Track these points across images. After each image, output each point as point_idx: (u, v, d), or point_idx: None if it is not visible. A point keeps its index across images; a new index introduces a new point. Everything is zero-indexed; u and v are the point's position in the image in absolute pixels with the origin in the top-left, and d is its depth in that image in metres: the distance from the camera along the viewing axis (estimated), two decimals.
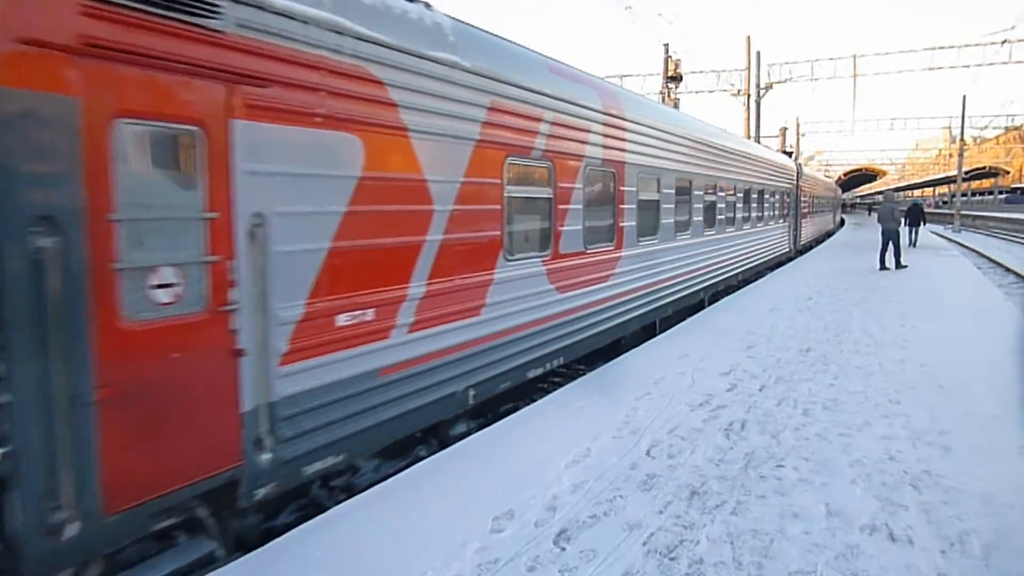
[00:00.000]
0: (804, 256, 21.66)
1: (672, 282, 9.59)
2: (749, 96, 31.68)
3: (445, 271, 4.79)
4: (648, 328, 8.98)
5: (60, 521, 2.70)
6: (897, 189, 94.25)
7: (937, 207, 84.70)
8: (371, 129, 4.09)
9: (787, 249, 19.97)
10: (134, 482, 2.94)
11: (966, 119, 41.49)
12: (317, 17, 3.68)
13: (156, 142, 3.08)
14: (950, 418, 5.33)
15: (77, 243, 2.71)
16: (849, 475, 4.28)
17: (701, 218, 10.82)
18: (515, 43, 5.97)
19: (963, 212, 45.45)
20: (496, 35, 5.69)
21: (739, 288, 13.41)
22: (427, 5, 4.77)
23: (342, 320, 3.94)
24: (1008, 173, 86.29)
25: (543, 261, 6.13)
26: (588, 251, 6.93)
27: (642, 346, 8.25)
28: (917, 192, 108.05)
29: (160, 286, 3.03)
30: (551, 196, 6.19)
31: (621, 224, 7.70)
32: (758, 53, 31.59)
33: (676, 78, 28.97)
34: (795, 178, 20.90)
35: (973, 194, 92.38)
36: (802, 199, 22.57)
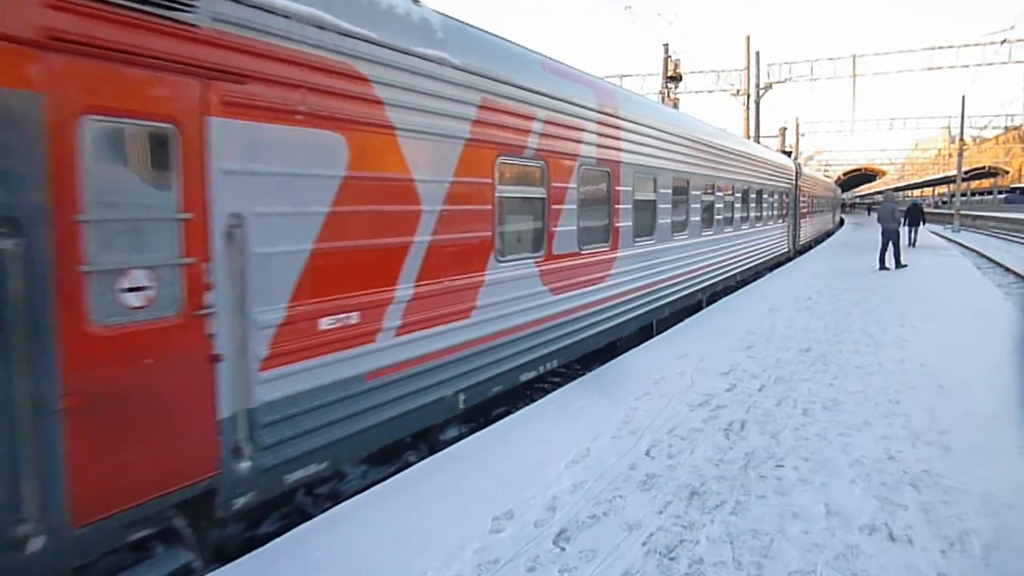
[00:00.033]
0: (803, 256, 21.67)
1: (669, 283, 9.51)
2: (749, 96, 31.71)
3: (434, 273, 4.68)
4: (645, 330, 8.92)
5: (24, 534, 2.59)
6: (896, 189, 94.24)
7: (936, 207, 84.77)
8: (356, 127, 3.99)
9: (786, 249, 19.95)
10: (103, 493, 2.84)
11: (965, 119, 41.54)
12: (298, 12, 3.58)
13: (127, 140, 2.97)
14: (950, 418, 5.33)
15: (41, 245, 2.61)
16: (849, 475, 4.28)
17: (698, 218, 10.73)
18: (507, 40, 5.87)
19: (962, 212, 45.49)
20: (488, 32, 5.60)
21: (737, 289, 13.39)
22: (415, 0, 4.67)
23: (325, 324, 3.83)
24: (1007, 173, 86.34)
25: (536, 262, 6.02)
26: (583, 252, 6.83)
27: (641, 346, 8.25)
28: (916, 192, 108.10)
29: (131, 289, 2.92)
30: (544, 196, 6.09)
31: (617, 224, 7.62)
32: (757, 53, 31.64)
33: (676, 78, 28.99)
34: (794, 178, 20.89)
35: (972, 194, 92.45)
36: (801, 199, 22.55)
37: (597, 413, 5.53)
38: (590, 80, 7.15)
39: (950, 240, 31.84)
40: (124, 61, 2.84)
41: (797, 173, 21.67)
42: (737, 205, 13.33)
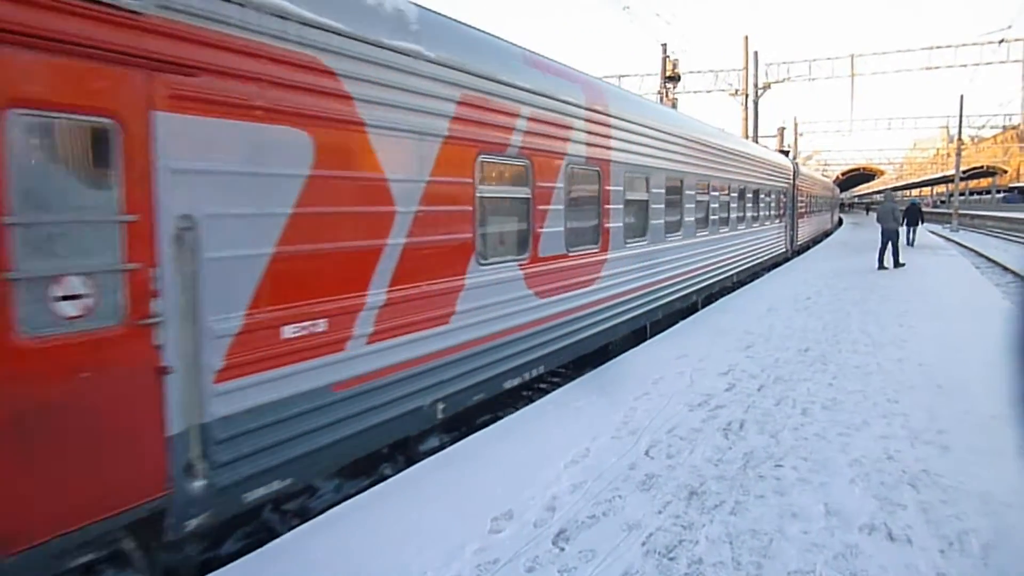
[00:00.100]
0: (802, 256, 21.68)
1: (662, 285, 9.34)
2: (747, 96, 31.74)
3: (409, 277, 4.46)
4: (638, 333, 8.79)
5: None
6: (895, 189, 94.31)
7: (935, 206, 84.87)
8: (322, 123, 3.76)
9: (783, 250, 19.90)
10: (36, 519, 2.63)
11: (964, 118, 41.55)
12: (256, 0, 3.36)
13: (60, 136, 2.74)
14: (948, 417, 5.34)
15: None
16: (848, 474, 4.29)
17: (693, 219, 10.56)
18: (489, 34, 5.66)
19: (961, 211, 45.54)
20: (468, 25, 5.36)
21: (733, 290, 13.33)
22: None
23: (289, 332, 3.60)
24: (1006, 172, 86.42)
25: (520, 265, 5.79)
26: (571, 254, 6.62)
27: (641, 346, 8.25)
28: (915, 191, 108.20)
29: (66, 298, 2.70)
30: (529, 196, 5.86)
31: (607, 225, 7.40)
32: (756, 53, 31.69)
33: (674, 78, 28.99)
34: (791, 177, 20.84)
35: (971, 193, 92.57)
36: (799, 199, 22.53)
37: (596, 413, 5.53)
38: (578, 76, 6.96)
39: (948, 239, 31.87)
40: (55, 51, 2.63)
41: (795, 172, 21.65)
42: (733, 205, 13.19)
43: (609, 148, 7.32)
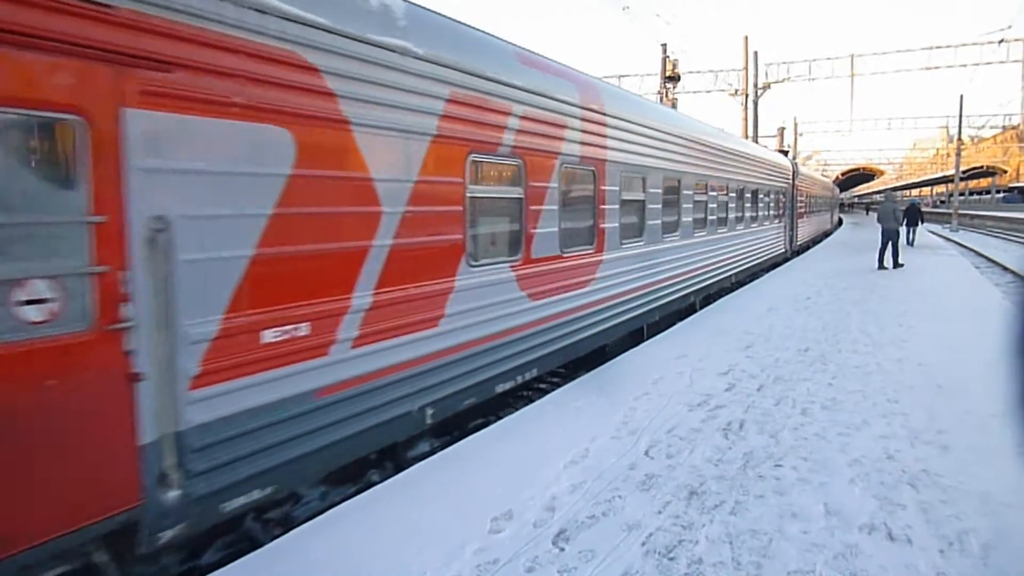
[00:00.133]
0: (801, 256, 21.68)
1: (659, 286, 9.24)
2: (747, 96, 31.76)
3: (396, 279, 4.33)
4: (635, 334, 8.71)
5: None
6: (895, 189, 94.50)
7: (935, 206, 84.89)
8: (304, 121, 3.64)
9: (783, 250, 19.87)
10: (1, 532, 2.54)
11: (963, 118, 41.57)
12: None
13: (22, 133, 2.63)
14: (948, 417, 5.34)
15: None
16: (847, 474, 4.29)
17: (691, 219, 10.47)
18: (480, 30, 5.52)
19: (960, 211, 45.56)
20: (458, 21, 5.23)
21: (732, 291, 13.29)
22: None
23: (269, 336, 3.48)
24: (1005, 172, 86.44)
25: (512, 266, 5.66)
26: (565, 255, 6.49)
27: (640, 346, 8.24)
28: (915, 191, 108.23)
29: (30, 302, 2.58)
30: (522, 196, 5.73)
31: (602, 226, 7.28)
32: (755, 53, 31.71)
33: (674, 78, 29.02)
34: (791, 177, 20.83)
35: (971, 193, 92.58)
36: (798, 199, 22.52)
37: (596, 413, 5.53)
38: (573, 74, 6.85)
39: (948, 239, 31.89)
40: (17, 44, 2.52)
41: (794, 172, 21.64)
42: (731, 205, 13.10)
43: (605, 147, 7.21)
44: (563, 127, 6.33)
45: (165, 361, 3.02)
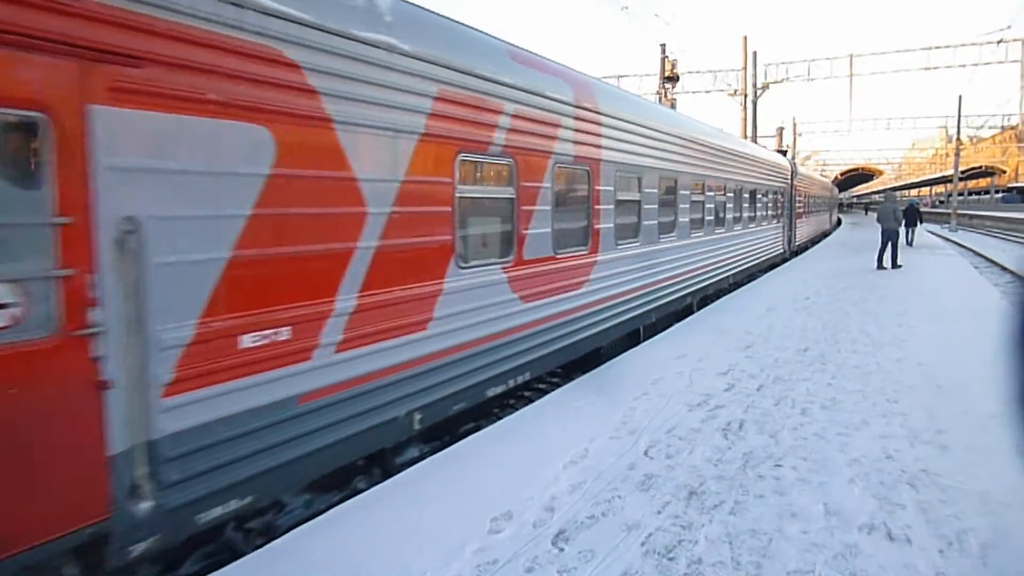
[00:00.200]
0: (800, 256, 21.69)
1: (656, 287, 9.14)
2: (746, 96, 31.76)
3: (382, 282, 4.22)
4: (631, 336, 8.63)
5: None
6: (894, 189, 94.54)
7: (934, 206, 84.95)
8: (284, 119, 3.52)
9: (781, 250, 19.85)
10: None
11: (962, 118, 41.59)
12: None
13: None
14: (947, 417, 5.34)
15: None
16: (847, 474, 4.29)
17: (687, 219, 10.39)
18: (469, 27, 5.40)
19: (959, 211, 45.62)
20: (446, 17, 5.11)
21: (729, 292, 13.26)
22: None
23: (248, 341, 3.36)
24: (1004, 172, 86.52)
25: (504, 268, 5.54)
26: (558, 256, 6.39)
27: (640, 346, 8.24)
28: (914, 192, 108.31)
29: None
30: (513, 196, 5.62)
31: (597, 226, 7.15)
32: (754, 53, 31.72)
33: (673, 78, 29.00)
34: (789, 177, 20.82)
35: (969, 193, 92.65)
36: (797, 199, 22.51)
37: (595, 413, 5.53)
38: (566, 72, 6.72)
39: (947, 239, 31.92)
40: None
41: (793, 172, 21.64)
42: (729, 205, 13.04)
43: (599, 147, 7.12)
44: (556, 126, 6.24)
45: (136, 368, 2.91)
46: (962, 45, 31.34)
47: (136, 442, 2.92)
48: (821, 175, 51.64)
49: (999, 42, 30.40)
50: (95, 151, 2.73)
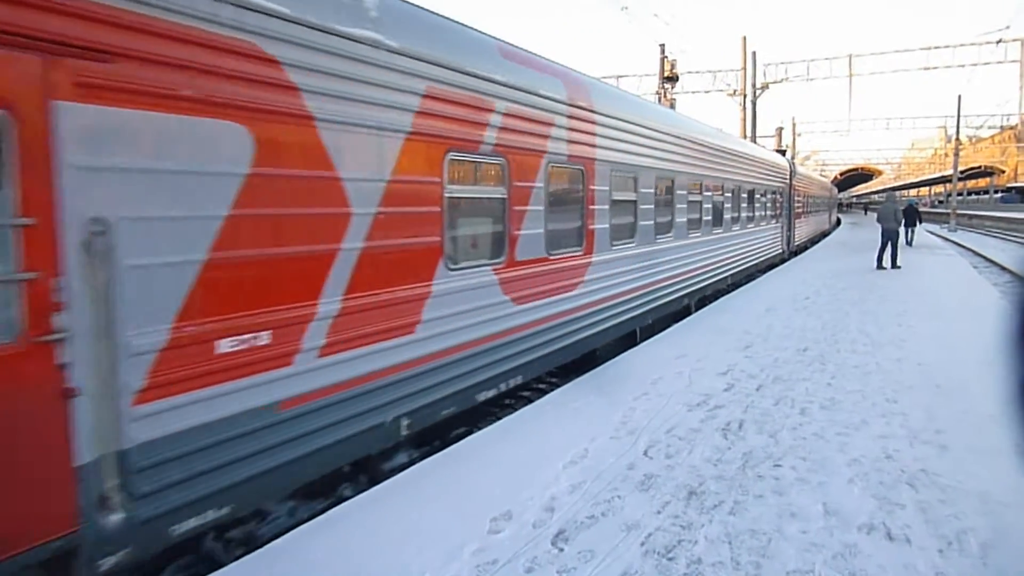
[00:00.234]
0: (799, 257, 21.70)
1: (652, 288, 9.05)
2: (745, 96, 31.78)
3: (367, 284, 4.11)
4: (628, 338, 8.55)
5: None
6: (893, 188, 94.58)
7: (933, 206, 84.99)
8: (263, 117, 3.40)
9: (780, 251, 19.81)
10: None
11: (961, 118, 41.61)
12: None
13: None
14: (947, 417, 5.35)
15: None
16: (846, 474, 4.29)
17: (684, 219, 10.28)
18: (459, 23, 5.27)
19: (959, 211, 45.65)
20: (435, 13, 4.97)
21: (727, 293, 13.22)
22: None
23: (225, 346, 3.25)
24: (1004, 172, 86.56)
25: (495, 269, 5.43)
26: (551, 257, 6.28)
27: (639, 346, 8.24)
28: (913, 191, 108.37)
29: None
30: (505, 196, 5.50)
31: (591, 227, 7.05)
32: (754, 53, 31.74)
33: (672, 78, 29.02)
34: (788, 177, 20.80)
35: (969, 193, 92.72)
36: (796, 199, 22.49)
37: (595, 413, 5.53)
38: (559, 70, 6.58)
39: (947, 239, 31.94)
40: None
41: (791, 172, 21.61)
42: (727, 205, 12.97)
43: (594, 146, 7.00)
44: (549, 125, 6.13)
45: (105, 375, 2.79)
46: (961, 45, 31.39)
47: (105, 452, 2.82)
48: (820, 175, 51.66)
49: (998, 42, 30.45)
50: (60, 149, 2.63)
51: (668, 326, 9.69)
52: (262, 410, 3.47)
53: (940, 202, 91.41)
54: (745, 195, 14.59)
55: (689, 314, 10.78)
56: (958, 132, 43.74)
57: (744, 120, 31.73)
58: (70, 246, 2.66)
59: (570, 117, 6.47)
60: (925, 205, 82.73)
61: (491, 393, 5.47)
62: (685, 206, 10.31)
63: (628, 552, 3.36)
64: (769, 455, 4.63)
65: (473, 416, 5.69)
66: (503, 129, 5.40)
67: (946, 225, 42.73)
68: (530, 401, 6.13)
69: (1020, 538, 3.46)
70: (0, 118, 2.47)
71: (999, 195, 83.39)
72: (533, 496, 3.98)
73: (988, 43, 30.83)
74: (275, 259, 3.54)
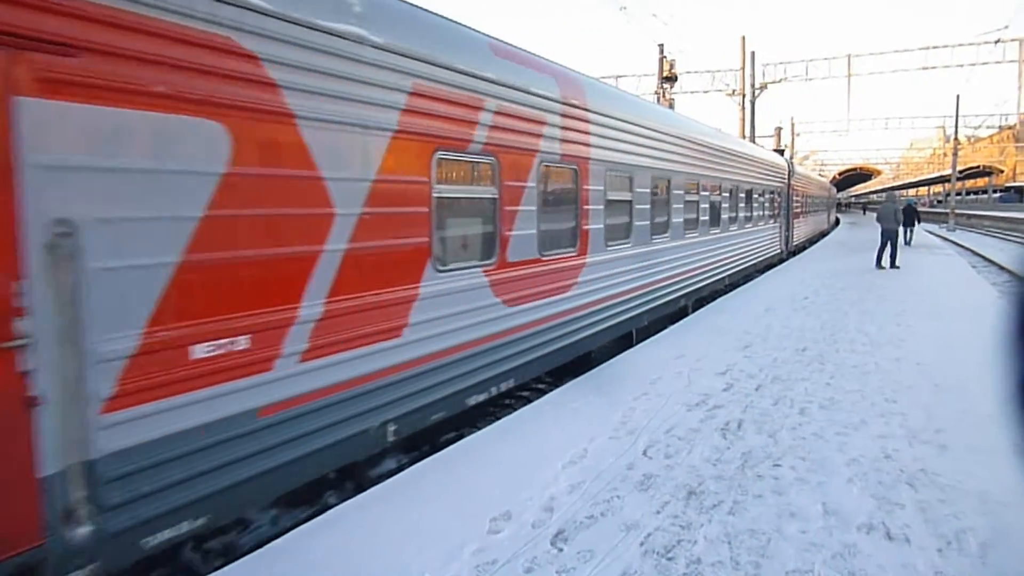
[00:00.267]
0: (798, 256, 21.70)
1: (648, 289, 8.90)
2: (744, 96, 31.79)
3: (351, 287, 4.01)
4: (624, 340, 8.48)
5: None
6: (892, 188, 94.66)
7: (932, 206, 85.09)
8: (241, 114, 3.29)
9: (778, 251, 19.80)
10: None
11: (960, 118, 41.66)
12: None
13: None
14: (946, 417, 5.35)
15: None
16: (846, 474, 4.29)
17: (681, 220, 10.11)
18: (448, 19, 5.17)
19: (957, 211, 45.70)
20: (423, 9, 4.85)
21: (725, 293, 13.18)
22: None
23: (201, 351, 3.14)
24: (1002, 172, 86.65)
25: (486, 271, 5.33)
26: (544, 258, 6.16)
27: (638, 346, 8.23)
28: (912, 191, 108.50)
29: None
30: (496, 196, 5.39)
31: (586, 227, 6.94)
32: (753, 53, 31.73)
33: (671, 78, 29.00)
34: (786, 177, 20.78)
35: (967, 193, 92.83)
36: (794, 198, 22.48)
37: (594, 413, 5.53)
38: (553, 68, 6.46)
39: (945, 239, 31.97)
40: None
41: (790, 172, 21.60)
42: (724, 205, 12.90)
43: (588, 145, 6.89)
44: (542, 124, 6.02)
45: (71, 382, 2.69)
46: (960, 45, 31.43)
47: (71, 462, 2.70)
48: (819, 175, 51.69)
49: (997, 42, 30.49)
50: (22, 148, 2.51)
51: (664, 328, 9.64)
52: (240, 417, 3.37)
53: (939, 202, 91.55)
54: (743, 195, 14.55)
55: (686, 315, 10.76)
56: (957, 132, 43.80)
57: (743, 120, 31.75)
58: (33, 248, 2.57)
59: (564, 116, 6.38)
60: (924, 205, 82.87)
61: (482, 397, 5.39)
62: (682, 206, 10.24)
63: (627, 552, 3.36)
64: (768, 455, 4.63)
65: (464, 420, 5.63)
66: (494, 128, 5.31)
67: (945, 225, 42.79)
68: (529, 401, 6.13)
69: (1019, 538, 3.46)
70: None
71: (997, 195, 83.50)
72: (532, 496, 3.98)
73: (987, 43, 30.90)
74: (254, 261, 3.44)
